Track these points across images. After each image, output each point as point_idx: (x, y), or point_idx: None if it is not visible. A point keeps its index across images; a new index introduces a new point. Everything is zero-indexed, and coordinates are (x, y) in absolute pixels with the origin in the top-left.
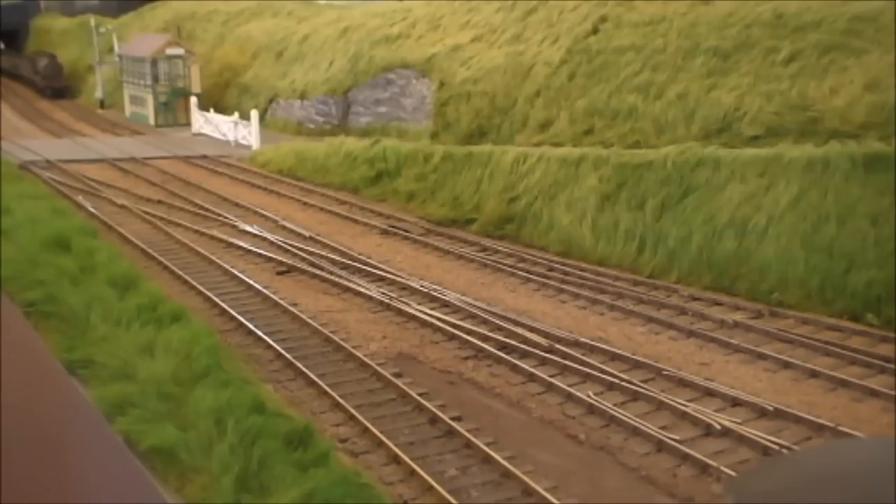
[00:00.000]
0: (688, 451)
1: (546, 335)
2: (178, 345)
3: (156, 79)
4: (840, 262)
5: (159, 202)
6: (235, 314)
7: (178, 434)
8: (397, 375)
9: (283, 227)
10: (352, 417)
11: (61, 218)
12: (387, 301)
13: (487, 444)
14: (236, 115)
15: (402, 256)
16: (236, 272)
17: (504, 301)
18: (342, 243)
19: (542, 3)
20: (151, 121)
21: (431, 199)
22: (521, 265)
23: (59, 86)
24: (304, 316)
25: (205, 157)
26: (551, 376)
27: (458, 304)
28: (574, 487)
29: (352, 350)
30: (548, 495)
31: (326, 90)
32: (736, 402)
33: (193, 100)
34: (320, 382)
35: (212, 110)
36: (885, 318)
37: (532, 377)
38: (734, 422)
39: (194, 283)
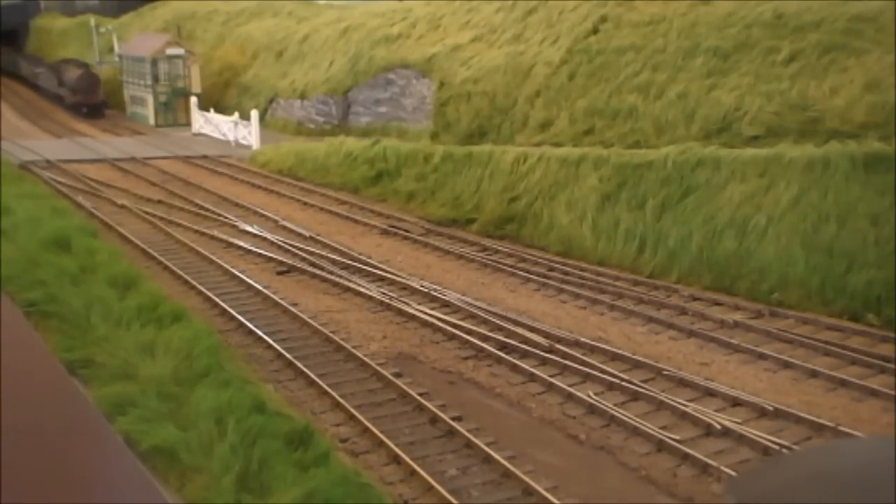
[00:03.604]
0: (688, 450)
1: (546, 335)
2: (178, 344)
3: (156, 79)
4: (840, 262)
5: (159, 202)
6: (236, 314)
7: (178, 434)
8: (397, 375)
9: (284, 227)
10: (352, 417)
11: (61, 218)
12: (387, 301)
13: (488, 444)
14: (236, 115)
15: (402, 256)
16: (236, 272)
17: (504, 301)
18: (342, 243)
19: (542, 3)
20: (151, 121)
21: (431, 199)
22: (521, 265)
23: (95, 102)
24: (304, 316)
25: (205, 157)
26: (551, 376)
27: (459, 304)
28: (574, 487)
29: (352, 350)
30: (548, 495)
31: (326, 90)
32: (736, 402)
33: (193, 100)
34: (320, 382)
35: (212, 110)
36: (885, 318)
37: (532, 377)
38: (734, 422)
39: (194, 283)
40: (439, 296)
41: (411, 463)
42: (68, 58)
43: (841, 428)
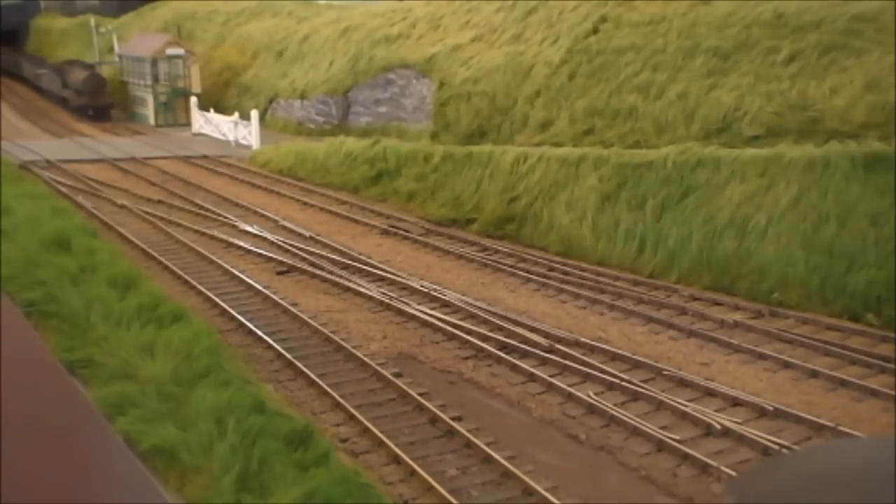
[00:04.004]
0: (688, 450)
1: (546, 335)
2: (178, 344)
3: (156, 79)
4: (840, 262)
5: (159, 202)
6: (236, 314)
7: (178, 434)
8: (397, 375)
9: (284, 227)
10: (352, 417)
11: (61, 218)
12: (387, 301)
13: (488, 444)
14: (236, 115)
15: (402, 256)
16: (236, 272)
17: (504, 301)
18: (342, 243)
19: (542, 3)
20: (151, 121)
21: (431, 199)
22: (521, 265)
23: (102, 105)
24: (304, 316)
25: (205, 157)
26: (551, 376)
27: (458, 304)
28: (574, 487)
29: (352, 350)
30: (548, 495)
31: (326, 90)
32: (736, 402)
33: (193, 100)
34: (320, 382)
35: (212, 110)
36: (885, 318)
37: (532, 377)
38: (734, 422)
39: (194, 283)
40: (439, 296)
41: (411, 463)
42: (73, 59)
43: (841, 428)
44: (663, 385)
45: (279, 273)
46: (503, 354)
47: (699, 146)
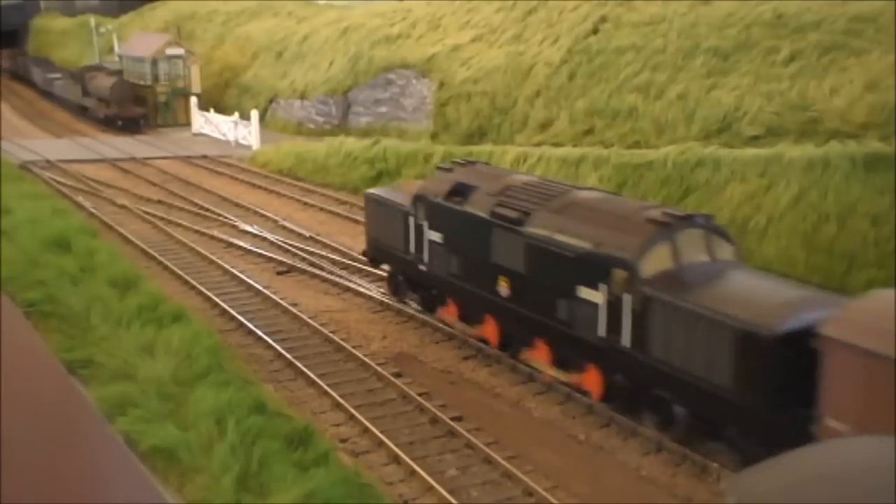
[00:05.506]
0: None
1: None
2: (178, 345)
3: (156, 79)
4: (840, 262)
5: (159, 202)
6: (236, 314)
7: (178, 434)
8: (397, 375)
9: (284, 227)
10: (352, 417)
11: (61, 218)
12: (387, 301)
13: (488, 444)
14: (236, 115)
15: None
16: (236, 272)
17: None
18: (342, 243)
19: (542, 3)
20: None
21: None
22: None
23: (134, 115)
24: (304, 316)
25: (205, 157)
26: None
27: None
28: (575, 487)
29: (352, 350)
30: (547, 495)
31: (326, 90)
32: None
33: (193, 100)
34: (321, 382)
35: (212, 110)
36: None
37: (532, 377)
38: None
39: (194, 283)
40: None
41: (411, 463)
42: (94, 64)
43: None
44: None
45: (279, 273)
46: (503, 354)
47: (699, 146)
